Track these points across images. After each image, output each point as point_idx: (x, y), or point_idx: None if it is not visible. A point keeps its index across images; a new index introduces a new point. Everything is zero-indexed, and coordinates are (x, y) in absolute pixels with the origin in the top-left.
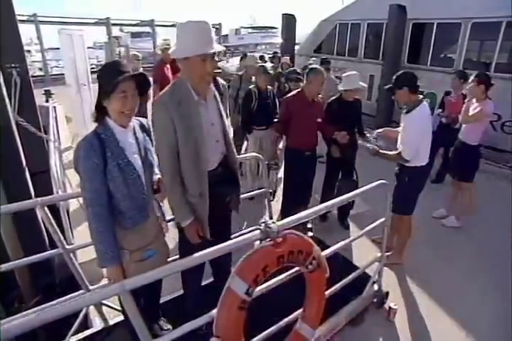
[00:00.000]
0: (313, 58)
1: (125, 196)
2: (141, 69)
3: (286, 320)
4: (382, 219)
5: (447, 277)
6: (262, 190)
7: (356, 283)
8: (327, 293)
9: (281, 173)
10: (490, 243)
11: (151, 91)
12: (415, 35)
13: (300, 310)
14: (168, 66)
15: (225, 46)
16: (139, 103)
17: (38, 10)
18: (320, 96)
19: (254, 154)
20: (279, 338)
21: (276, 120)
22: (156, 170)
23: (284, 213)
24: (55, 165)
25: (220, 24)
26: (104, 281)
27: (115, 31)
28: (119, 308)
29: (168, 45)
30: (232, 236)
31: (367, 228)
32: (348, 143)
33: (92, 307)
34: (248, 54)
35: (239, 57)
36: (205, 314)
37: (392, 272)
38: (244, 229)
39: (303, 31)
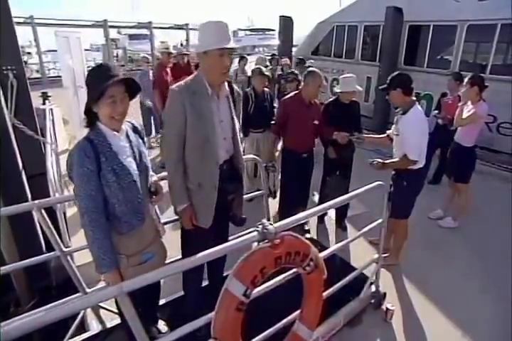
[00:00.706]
0: (311, 60)
1: (120, 201)
2: (151, 72)
3: (284, 321)
4: (379, 221)
5: (444, 278)
6: (260, 191)
7: (354, 284)
8: (325, 294)
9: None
10: (486, 243)
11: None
12: (412, 37)
13: (298, 312)
14: (168, 70)
15: None
16: (129, 106)
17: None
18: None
19: (252, 156)
20: (276, 339)
21: (273, 122)
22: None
23: (282, 214)
24: (52, 167)
25: None
26: (102, 284)
27: (113, 33)
28: (117, 311)
29: (167, 48)
30: (230, 237)
31: (364, 229)
32: (344, 145)
33: (89, 310)
34: (260, 55)
35: (237, 59)
36: (203, 316)
37: (389, 273)
38: (242, 230)
39: (300, 33)
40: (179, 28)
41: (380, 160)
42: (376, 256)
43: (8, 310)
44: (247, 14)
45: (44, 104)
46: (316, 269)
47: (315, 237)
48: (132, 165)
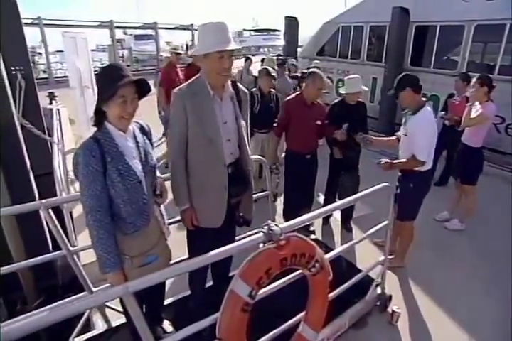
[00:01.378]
0: (316, 61)
1: (125, 201)
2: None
3: (289, 322)
4: (385, 222)
5: (450, 280)
6: (265, 192)
7: (359, 286)
8: (330, 295)
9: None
10: (493, 246)
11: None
12: (418, 37)
13: (303, 313)
14: (178, 70)
15: None
16: (138, 107)
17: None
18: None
19: (257, 157)
20: None
21: (275, 124)
22: (158, 173)
23: (286, 216)
24: (58, 167)
25: None
26: (107, 283)
27: (118, 34)
28: (122, 310)
29: (176, 49)
30: (236, 238)
31: (370, 231)
32: (349, 145)
33: (94, 309)
34: (268, 56)
35: (242, 60)
36: (209, 316)
37: (395, 275)
38: (247, 231)
39: (305, 34)
40: (184, 28)
41: (387, 160)
42: (382, 258)
43: (15, 308)
44: (252, 15)
45: (51, 103)
46: (322, 271)
47: (320, 238)
48: (138, 166)
